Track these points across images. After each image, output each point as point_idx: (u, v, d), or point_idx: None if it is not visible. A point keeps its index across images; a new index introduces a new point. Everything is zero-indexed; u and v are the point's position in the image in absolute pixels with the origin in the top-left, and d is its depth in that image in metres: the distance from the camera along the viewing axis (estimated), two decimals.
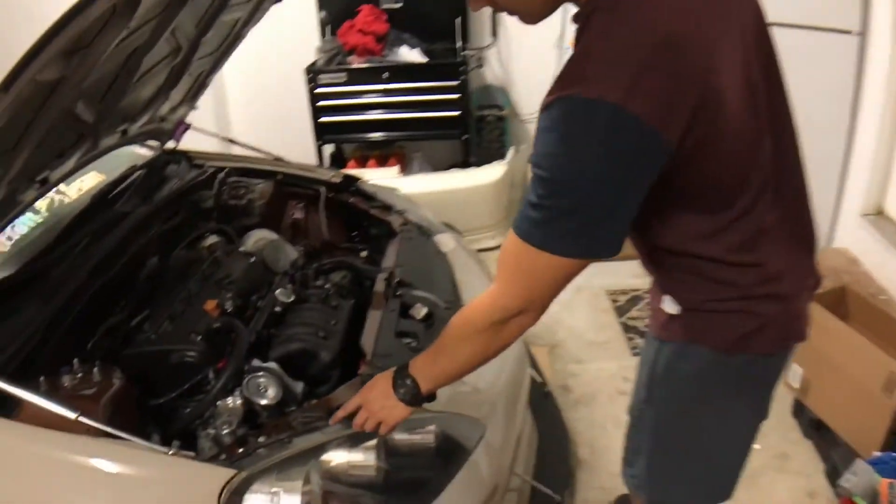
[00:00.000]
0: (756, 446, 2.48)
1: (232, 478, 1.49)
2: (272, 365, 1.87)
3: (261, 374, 1.82)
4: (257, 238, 2.54)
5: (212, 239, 2.55)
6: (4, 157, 1.45)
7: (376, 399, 1.55)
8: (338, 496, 1.58)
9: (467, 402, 1.87)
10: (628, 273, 3.57)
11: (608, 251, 1.23)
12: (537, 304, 1.31)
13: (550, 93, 1.17)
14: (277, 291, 2.11)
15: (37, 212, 2.23)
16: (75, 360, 1.74)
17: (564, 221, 1.18)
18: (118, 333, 2.03)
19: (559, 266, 1.23)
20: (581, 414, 2.75)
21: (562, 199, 1.16)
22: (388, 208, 2.76)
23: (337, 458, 1.62)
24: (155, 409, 1.88)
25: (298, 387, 1.91)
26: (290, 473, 1.54)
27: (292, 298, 2.11)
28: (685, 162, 1.20)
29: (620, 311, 3.37)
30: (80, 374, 1.71)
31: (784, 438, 2.64)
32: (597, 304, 3.39)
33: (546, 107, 1.16)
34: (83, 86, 1.54)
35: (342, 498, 1.59)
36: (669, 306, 1.44)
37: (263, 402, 1.83)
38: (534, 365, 2.77)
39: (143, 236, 2.31)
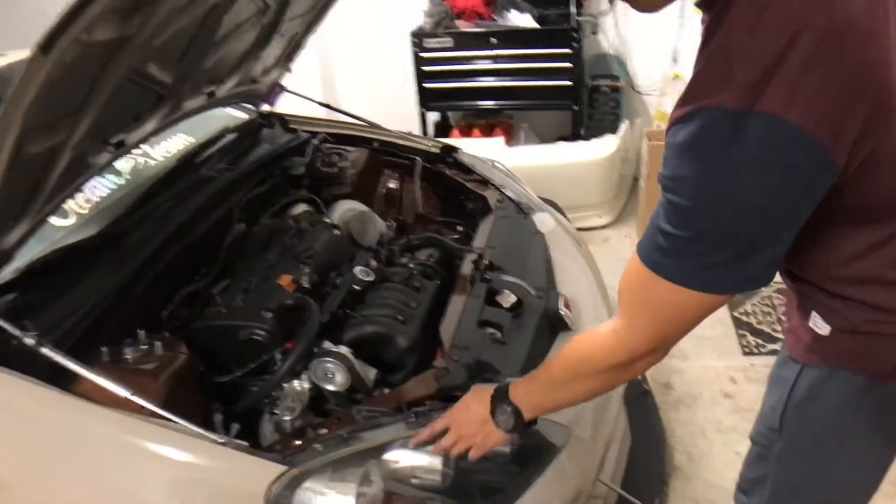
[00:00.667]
0: None
1: (282, 474, 1.39)
2: (342, 349, 1.77)
3: (329, 359, 1.71)
4: (346, 209, 2.44)
5: (301, 207, 2.47)
6: (67, 119, 1.38)
7: (471, 423, 1.41)
8: (401, 499, 1.46)
9: None
10: None
11: (758, 284, 1.03)
12: (669, 343, 1.12)
13: (684, 102, 0.96)
14: (357, 269, 2.00)
15: (119, 174, 2.18)
16: (140, 332, 1.67)
17: (706, 255, 0.98)
18: (196, 303, 1.98)
19: (699, 303, 1.02)
20: (681, 416, 2.52)
21: (703, 231, 0.96)
22: (485, 182, 2.59)
23: (402, 458, 1.48)
24: (220, 386, 1.81)
25: (371, 373, 1.80)
26: (346, 472, 1.43)
27: (372, 278, 1.99)
28: (854, 178, 0.97)
29: (733, 304, 3.08)
30: (143, 347, 1.64)
31: None
32: None
33: (679, 120, 0.95)
34: (153, 46, 1.45)
35: (406, 501, 1.47)
36: (818, 325, 1.20)
37: (331, 388, 1.73)
38: None
39: (229, 201, 2.24)
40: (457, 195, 2.68)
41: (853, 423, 1.27)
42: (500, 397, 1.36)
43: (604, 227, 3.71)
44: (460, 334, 1.75)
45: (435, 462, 1.46)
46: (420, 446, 1.46)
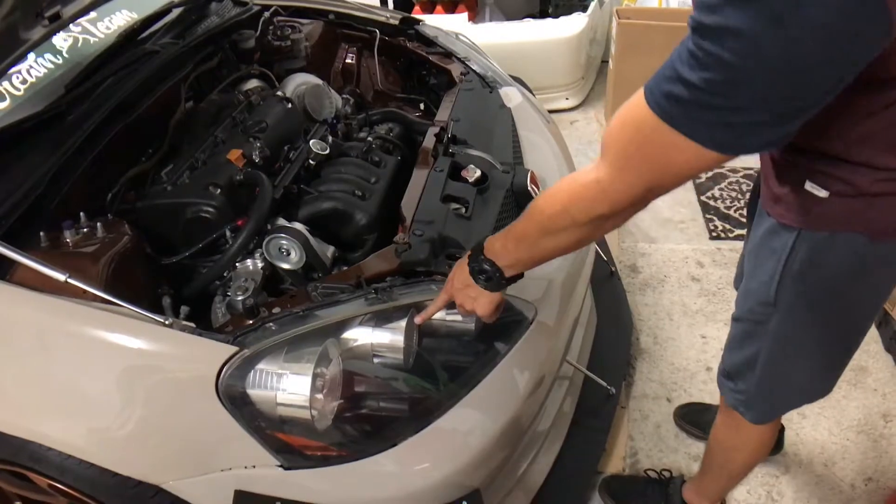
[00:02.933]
0: None
1: (233, 356, 1.30)
2: (297, 225, 1.66)
3: (283, 234, 1.60)
4: (299, 82, 2.27)
5: (252, 83, 2.29)
6: None
7: (459, 292, 1.31)
8: (362, 378, 1.39)
9: (518, 283, 1.62)
10: None
11: (769, 148, 0.93)
12: (653, 196, 1.01)
13: None
14: (312, 142, 1.86)
15: (58, 53, 1.98)
16: (81, 214, 1.56)
17: (731, 113, 0.86)
18: (143, 184, 1.84)
19: (700, 158, 0.91)
20: (647, 299, 2.49)
21: (741, 91, 0.83)
22: (448, 55, 2.43)
23: (362, 336, 1.40)
24: (170, 269, 1.70)
25: (328, 251, 1.70)
26: (302, 352, 1.34)
27: (328, 151, 1.86)
28: None
29: (701, 188, 3.02)
30: (84, 230, 1.53)
31: (863, 350, 2.35)
32: None
33: None
34: None
35: (367, 382, 1.40)
36: (815, 189, 1.12)
37: (286, 266, 1.63)
38: (599, 241, 2.51)
39: (173, 77, 2.05)
40: (418, 69, 2.53)
41: (851, 286, 1.22)
42: (476, 255, 1.26)
43: (571, 109, 3.58)
44: (422, 209, 1.65)
45: (396, 339, 1.38)
46: (383, 323, 1.39)
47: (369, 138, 1.97)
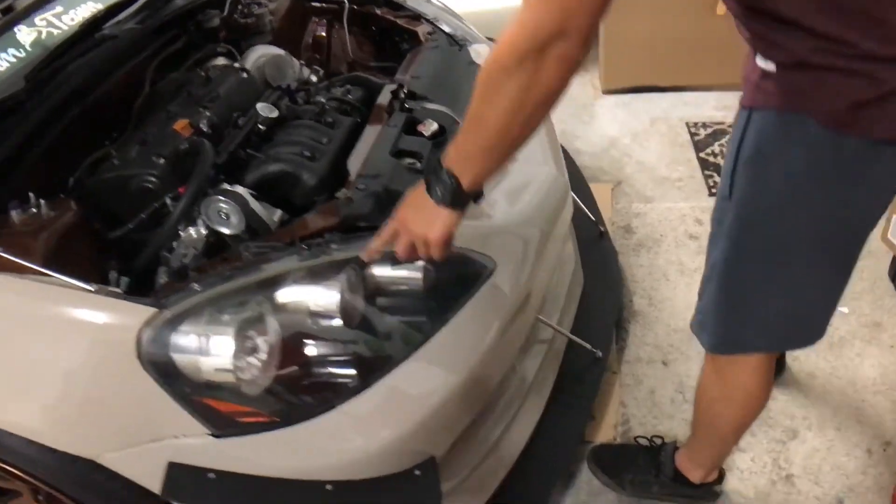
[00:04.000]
0: (843, 309, 2.11)
1: (153, 317, 1.21)
2: (238, 188, 1.56)
3: (220, 197, 1.51)
4: (259, 54, 2.17)
5: (219, 61, 2.20)
6: None
7: (412, 216, 1.20)
8: (296, 340, 1.28)
9: (475, 235, 1.50)
10: (713, 104, 3.03)
11: None
12: (576, 28, 0.92)
13: None
14: (259, 106, 1.77)
15: (20, 47, 1.93)
16: (31, 195, 1.51)
17: None
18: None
19: None
20: (642, 259, 2.35)
21: None
22: (417, 17, 2.32)
23: (297, 295, 1.30)
24: (119, 244, 1.63)
25: (275, 215, 1.60)
26: (225, 313, 1.25)
27: (276, 114, 1.76)
28: None
29: (700, 145, 2.86)
30: (33, 210, 1.49)
31: (877, 305, 2.18)
32: (674, 138, 2.88)
33: None
34: None
35: (303, 342, 1.29)
36: (763, 62, 1.07)
37: (226, 230, 1.54)
38: (588, 202, 2.37)
39: (134, 61, 1.98)
40: (391, 36, 2.42)
41: (809, 184, 1.10)
42: (432, 170, 1.15)
43: None
44: (370, 164, 1.55)
45: (333, 296, 1.27)
46: (320, 281, 1.28)
47: (322, 100, 1.86)
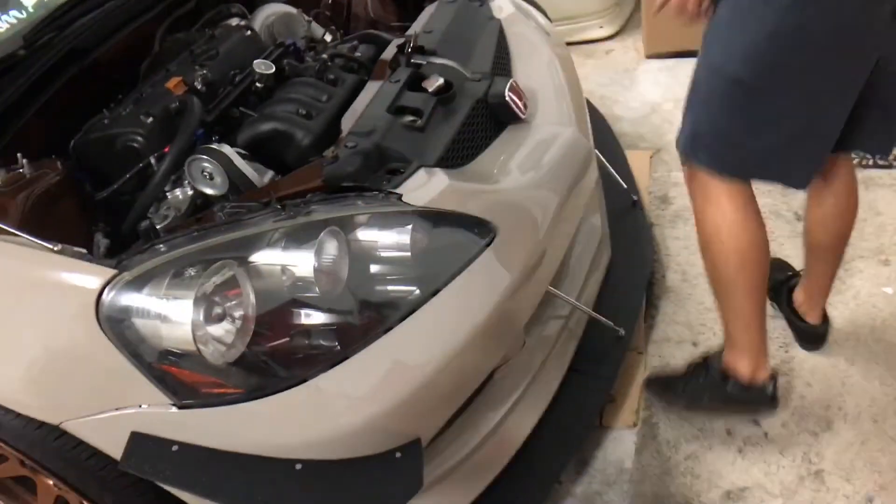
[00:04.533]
0: (888, 290, 1.90)
1: (113, 279, 1.12)
2: (224, 147, 1.47)
3: (203, 156, 1.42)
4: (269, 12, 2.07)
5: (232, 22, 2.11)
6: None
7: None
8: (268, 310, 1.17)
9: (480, 199, 1.37)
10: None
11: None
12: None
13: None
14: (256, 62, 1.66)
15: (23, 9, 1.87)
16: (18, 155, 1.48)
17: None
18: None
19: None
20: (678, 231, 2.17)
21: None
22: None
23: (270, 258, 1.19)
24: (107, 205, 1.57)
25: (266, 175, 1.51)
26: (188, 276, 1.15)
27: (273, 70, 1.66)
28: None
29: None
30: (20, 170, 1.45)
31: None
32: None
33: None
34: None
35: (275, 310, 1.18)
36: None
37: (210, 191, 1.46)
38: (622, 170, 2.21)
39: (140, 20, 1.90)
40: None
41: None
42: None
43: (606, 38, 3.25)
44: (364, 120, 1.43)
45: (307, 260, 1.16)
46: (299, 244, 1.17)
47: (325, 55, 1.75)
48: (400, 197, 1.27)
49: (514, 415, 1.49)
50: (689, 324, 1.90)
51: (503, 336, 1.37)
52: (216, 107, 1.58)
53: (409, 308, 1.20)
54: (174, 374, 1.17)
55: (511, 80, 1.60)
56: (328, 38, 2.11)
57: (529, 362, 1.54)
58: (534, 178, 1.52)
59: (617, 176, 2.10)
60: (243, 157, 1.50)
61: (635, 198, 2.12)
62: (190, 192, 1.47)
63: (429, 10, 1.92)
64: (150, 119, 1.53)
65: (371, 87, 1.57)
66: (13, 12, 1.85)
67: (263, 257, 1.18)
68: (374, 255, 1.24)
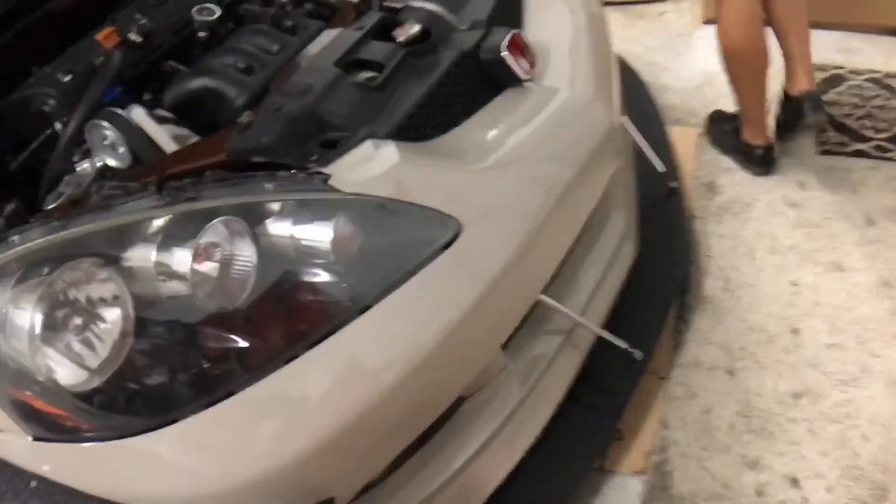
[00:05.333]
0: None
1: None
2: (133, 110, 1.17)
3: (104, 122, 1.14)
4: None
5: None
6: None
7: None
8: (131, 324, 0.89)
9: (441, 183, 1.05)
10: (833, 45, 2.35)
11: None
12: None
13: None
14: (195, 9, 1.35)
15: None
16: None
17: None
18: None
19: None
20: (724, 227, 1.79)
21: None
22: None
23: (143, 256, 0.90)
24: (22, 176, 1.30)
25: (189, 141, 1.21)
26: (35, 278, 0.87)
27: (214, 16, 1.35)
28: None
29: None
30: None
31: None
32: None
33: None
34: None
35: (139, 323, 0.90)
36: None
37: (112, 162, 1.16)
38: (662, 150, 1.84)
39: None
40: None
41: None
42: None
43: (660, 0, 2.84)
44: (301, 76, 1.11)
45: (183, 261, 0.87)
46: (178, 239, 0.88)
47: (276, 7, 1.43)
48: (326, 179, 0.96)
49: (485, 456, 1.19)
50: (727, 346, 1.53)
51: (465, 363, 1.05)
52: (143, 59, 1.29)
53: (327, 329, 0.90)
54: (25, 400, 0.91)
55: (512, 32, 1.26)
56: None
57: (510, 390, 1.22)
58: (528, 157, 1.19)
59: (653, 156, 1.73)
60: (167, 120, 1.21)
61: (673, 184, 1.75)
62: (99, 165, 1.19)
63: None
64: (69, 77, 1.26)
65: (327, 36, 1.25)
66: None
67: (135, 255, 0.90)
68: (286, 256, 0.94)
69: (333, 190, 0.95)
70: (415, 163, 1.04)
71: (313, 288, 0.94)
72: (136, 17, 1.35)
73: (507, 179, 1.14)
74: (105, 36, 1.30)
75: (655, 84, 2.31)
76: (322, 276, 0.93)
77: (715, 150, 2.04)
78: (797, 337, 1.52)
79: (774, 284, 1.64)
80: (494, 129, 1.21)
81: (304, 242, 0.93)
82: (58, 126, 1.23)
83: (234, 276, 0.91)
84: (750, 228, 1.79)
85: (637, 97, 2.13)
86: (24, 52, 1.37)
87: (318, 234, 0.93)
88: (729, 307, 1.61)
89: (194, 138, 1.22)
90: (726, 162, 1.98)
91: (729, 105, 2.02)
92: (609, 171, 1.38)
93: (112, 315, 0.88)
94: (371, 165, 1.01)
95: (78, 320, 0.86)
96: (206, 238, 0.88)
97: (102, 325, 0.87)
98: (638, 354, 1.39)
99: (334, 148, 1.02)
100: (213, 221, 0.88)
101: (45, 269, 0.88)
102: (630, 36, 2.66)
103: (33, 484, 1.00)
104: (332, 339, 0.90)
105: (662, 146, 1.90)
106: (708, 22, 2.59)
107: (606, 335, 1.35)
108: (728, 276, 1.68)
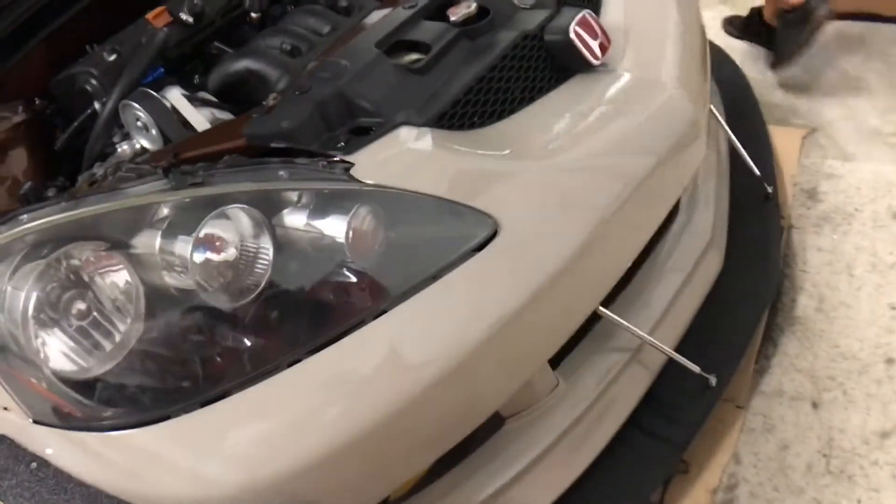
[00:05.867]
0: None
1: None
2: (169, 91, 1.12)
3: (135, 104, 1.09)
4: None
5: None
6: None
7: None
8: (133, 314, 0.83)
9: (481, 177, 0.95)
10: None
11: None
12: None
13: None
14: None
15: None
16: None
17: None
18: None
19: None
20: (823, 239, 1.59)
21: None
22: None
23: (155, 244, 0.84)
24: (66, 154, 1.28)
25: None
26: (35, 260, 0.84)
27: None
28: None
29: None
30: None
31: None
32: (894, 81, 2.00)
33: None
34: None
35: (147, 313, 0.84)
36: None
37: (146, 143, 1.12)
38: (761, 152, 1.66)
39: None
40: None
41: None
42: None
43: None
44: (339, 57, 1.02)
45: (182, 249, 0.80)
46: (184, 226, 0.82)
47: None
48: (348, 168, 0.87)
49: (527, 481, 1.08)
50: (814, 374, 1.35)
51: (500, 379, 0.94)
52: (185, 41, 1.24)
53: (339, 331, 0.81)
54: (24, 381, 0.87)
55: (583, 12, 1.13)
56: None
57: (559, 412, 1.10)
58: (591, 149, 1.06)
59: (747, 157, 1.55)
60: (210, 103, 1.15)
61: (769, 189, 1.56)
62: (137, 147, 1.14)
63: None
64: (114, 56, 1.23)
65: (377, 16, 1.16)
66: None
67: (146, 241, 0.83)
68: (302, 249, 0.85)
69: (353, 180, 0.86)
70: (453, 153, 0.94)
71: (327, 286, 0.85)
72: None
73: (563, 174, 1.02)
74: (156, 15, 1.26)
75: (759, 79, 2.11)
76: (337, 274, 0.84)
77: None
78: (891, 367, 1.32)
79: (872, 307, 1.43)
80: (554, 118, 1.09)
81: (319, 236, 0.85)
82: (97, 106, 1.19)
83: (244, 269, 0.84)
84: (850, 242, 1.58)
85: (737, 93, 1.95)
86: (84, 31, 1.36)
87: (334, 228, 0.85)
88: (821, 330, 1.42)
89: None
90: (830, 167, 1.78)
91: (843, 129, 1.82)
92: (691, 168, 1.23)
93: (120, 302, 0.82)
94: (402, 155, 0.91)
95: (81, 305, 0.81)
96: (208, 228, 0.80)
97: (109, 313, 0.82)
98: (712, 380, 1.23)
99: (366, 135, 0.93)
100: (219, 209, 0.81)
101: (46, 250, 0.83)
102: None
103: (33, 465, 0.96)
104: (341, 343, 0.81)
105: (761, 147, 1.71)
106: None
107: (677, 357, 1.20)
108: (823, 295, 1.49)
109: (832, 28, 2.27)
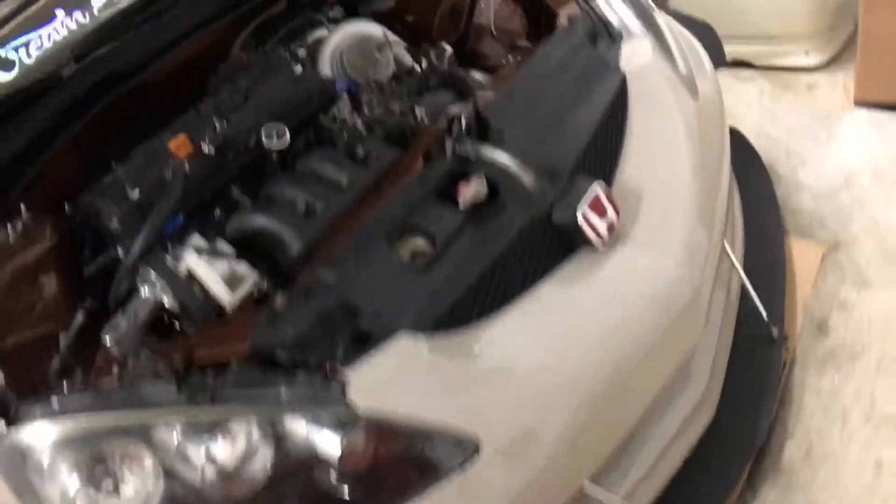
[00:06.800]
0: None
1: None
2: (186, 254, 1.17)
3: (150, 268, 1.15)
4: (348, 33, 1.71)
5: (320, 33, 1.78)
6: None
7: None
8: None
9: (467, 388, 1.01)
10: None
11: None
12: None
13: None
14: (264, 128, 1.31)
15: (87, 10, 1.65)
16: (22, 206, 1.26)
17: None
18: None
19: None
20: (824, 381, 1.60)
21: None
22: None
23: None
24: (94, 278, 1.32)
25: (245, 284, 1.18)
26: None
27: (283, 141, 1.30)
28: None
29: None
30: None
31: None
32: None
33: None
34: None
35: None
36: None
37: (165, 300, 1.16)
38: (773, 281, 1.68)
39: (211, 28, 1.62)
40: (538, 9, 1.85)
41: None
42: None
43: (812, 69, 2.56)
44: (347, 250, 1.09)
45: (197, 456, 0.89)
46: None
47: (357, 121, 1.38)
48: (343, 388, 0.93)
49: None
50: None
51: None
52: (209, 182, 1.28)
53: None
54: None
55: (596, 190, 1.16)
56: (418, 68, 1.73)
57: None
58: (581, 344, 1.12)
59: (758, 300, 1.55)
60: (226, 255, 1.20)
61: (776, 333, 1.56)
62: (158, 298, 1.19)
63: (528, 55, 1.49)
64: (137, 193, 1.25)
65: (388, 191, 1.21)
66: (76, 14, 1.63)
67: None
68: (300, 456, 0.93)
69: (343, 404, 0.92)
70: (443, 366, 1.00)
71: (322, 495, 0.93)
72: (214, 121, 1.34)
73: (545, 379, 1.07)
74: (178, 145, 1.28)
75: (790, 180, 2.11)
76: (331, 485, 0.92)
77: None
78: None
79: (858, 460, 1.45)
80: (552, 307, 1.13)
81: (316, 448, 0.92)
82: (120, 252, 1.24)
83: (245, 470, 0.91)
84: (850, 385, 1.59)
85: (759, 198, 1.94)
86: (112, 126, 1.40)
87: (329, 445, 0.92)
88: (802, 483, 1.45)
89: (251, 278, 1.19)
90: (846, 294, 1.78)
91: (866, 246, 1.83)
92: (684, 348, 1.27)
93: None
94: (396, 370, 0.98)
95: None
96: (220, 442, 0.89)
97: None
98: None
99: (364, 342, 0.99)
100: (230, 423, 0.89)
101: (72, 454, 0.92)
102: (773, 111, 2.43)
103: None
104: None
105: (776, 279, 1.70)
106: (860, 103, 2.33)
107: None
108: (812, 444, 1.51)
109: (869, 116, 2.25)
